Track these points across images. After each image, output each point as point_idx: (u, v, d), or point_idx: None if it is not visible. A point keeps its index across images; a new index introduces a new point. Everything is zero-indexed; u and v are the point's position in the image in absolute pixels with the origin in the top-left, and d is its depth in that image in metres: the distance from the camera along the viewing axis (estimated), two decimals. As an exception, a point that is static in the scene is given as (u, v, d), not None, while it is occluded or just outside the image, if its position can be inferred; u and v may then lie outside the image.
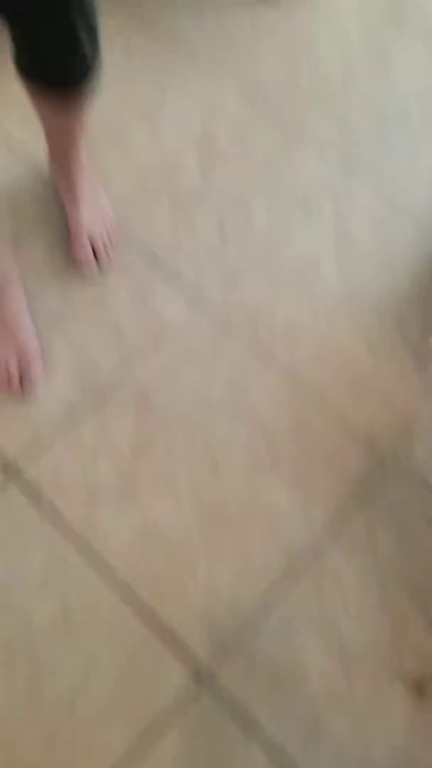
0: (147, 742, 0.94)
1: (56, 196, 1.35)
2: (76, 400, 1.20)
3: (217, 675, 0.99)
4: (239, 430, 1.18)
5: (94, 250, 1.30)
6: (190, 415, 1.19)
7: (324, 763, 0.94)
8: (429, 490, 1.13)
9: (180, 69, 1.55)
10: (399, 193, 1.41)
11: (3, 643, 1.01)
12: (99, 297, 1.29)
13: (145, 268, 1.32)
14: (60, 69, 1.05)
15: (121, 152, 1.44)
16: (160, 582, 1.06)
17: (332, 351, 1.25)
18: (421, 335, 1.25)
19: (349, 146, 1.47)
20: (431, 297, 1.29)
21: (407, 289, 1.31)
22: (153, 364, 1.23)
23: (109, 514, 1.11)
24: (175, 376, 1.22)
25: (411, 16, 1.66)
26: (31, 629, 1.02)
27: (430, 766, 0.93)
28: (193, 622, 1.03)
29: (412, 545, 1.09)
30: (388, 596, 1.05)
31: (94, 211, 1.32)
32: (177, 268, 1.32)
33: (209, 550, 1.08)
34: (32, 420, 1.19)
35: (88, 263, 1.30)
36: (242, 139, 1.48)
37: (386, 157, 1.45)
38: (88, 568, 1.06)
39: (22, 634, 1.02)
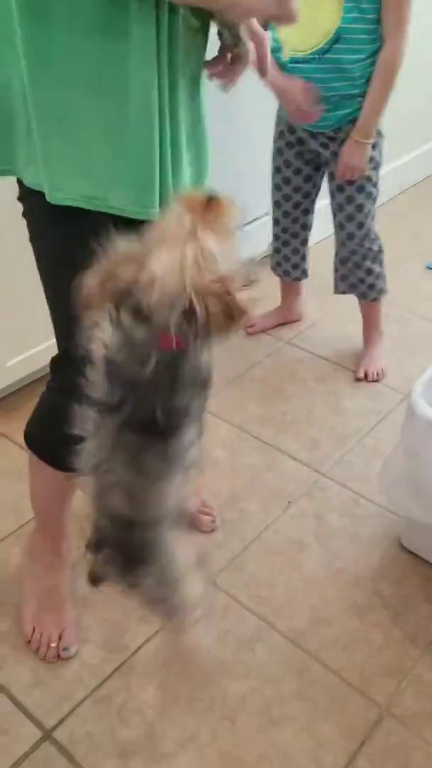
0: None
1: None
2: (102, 664, 1.38)
3: None
4: (251, 687, 1.35)
5: None
6: (206, 672, 1.36)
7: None
8: (422, 738, 1.27)
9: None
10: (360, 486, 1.76)
11: None
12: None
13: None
14: None
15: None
16: None
17: (324, 616, 1.47)
18: (392, 593, 1.50)
19: (317, 462, 1.85)
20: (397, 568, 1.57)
21: (378, 558, 1.59)
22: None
23: (140, 768, 1.22)
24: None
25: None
26: None
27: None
28: None
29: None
30: None
31: None
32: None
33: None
34: (63, 683, 1.35)
35: None
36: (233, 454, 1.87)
37: (347, 467, 1.84)
38: None
39: None
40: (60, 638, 1.41)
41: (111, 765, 1.24)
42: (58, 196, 1.03)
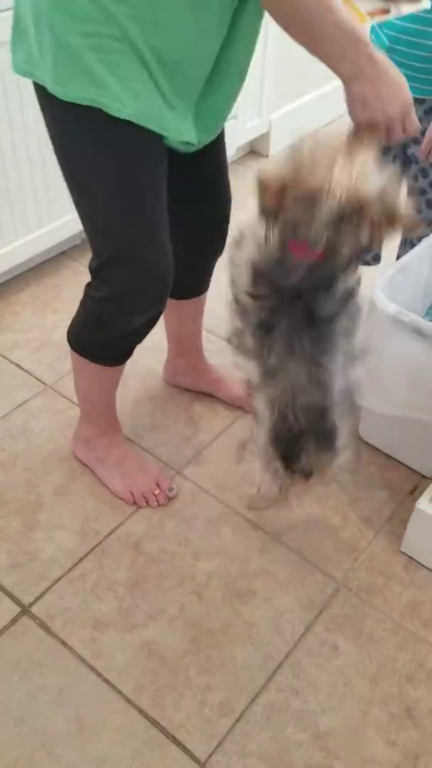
0: None
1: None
2: (77, 547, 1.46)
3: (212, 760, 1.16)
4: (217, 565, 1.44)
5: None
6: (176, 556, 1.45)
7: None
8: (374, 607, 1.38)
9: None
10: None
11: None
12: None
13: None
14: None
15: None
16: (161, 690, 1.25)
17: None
18: (351, 481, 1.60)
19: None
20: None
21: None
22: (145, 521, 1.51)
23: (113, 637, 1.32)
24: (162, 527, 1.51)
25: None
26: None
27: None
28: (190, 721, 1.20)
29: (365, 645, 1.32)
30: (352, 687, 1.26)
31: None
32: (153, 447, 1.66)
33: (199, 661, 1.29)
34: (40, 564, 1.43)
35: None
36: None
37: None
38: (98, 681, 1.25)
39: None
40: (158, 485, 1.54)
41: (86, 635, 1.33)
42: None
